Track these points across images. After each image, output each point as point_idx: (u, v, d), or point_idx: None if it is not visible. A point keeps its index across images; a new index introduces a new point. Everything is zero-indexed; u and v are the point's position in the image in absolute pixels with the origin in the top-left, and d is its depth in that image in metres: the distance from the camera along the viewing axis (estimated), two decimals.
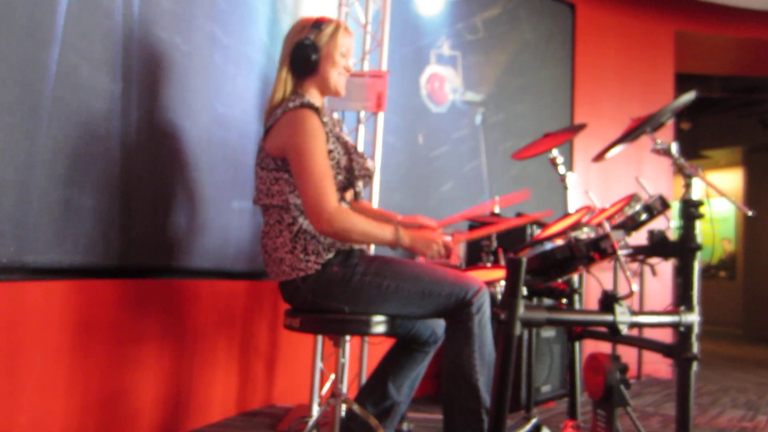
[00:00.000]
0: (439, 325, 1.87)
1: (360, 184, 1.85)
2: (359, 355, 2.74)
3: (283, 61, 1.81)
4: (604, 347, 3.64)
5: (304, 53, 1.75)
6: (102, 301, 1.99)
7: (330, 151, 1.71)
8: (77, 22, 1.89)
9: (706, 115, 8.32)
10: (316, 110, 1.71)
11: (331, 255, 1.70)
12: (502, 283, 1.86)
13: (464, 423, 1.65)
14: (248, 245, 2.57)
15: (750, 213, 1.74)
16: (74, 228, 1.89)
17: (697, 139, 8.70)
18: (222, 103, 2.46)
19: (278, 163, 1.72)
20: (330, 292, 1.69)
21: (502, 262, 2.35)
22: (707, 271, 9.37)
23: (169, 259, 2.24)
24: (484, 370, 1.66)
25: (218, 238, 2.43)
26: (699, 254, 1.71)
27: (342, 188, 1.79)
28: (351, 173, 1.77)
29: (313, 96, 1.83)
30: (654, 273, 1.87)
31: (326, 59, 1.79)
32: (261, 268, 2.58)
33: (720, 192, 1.71)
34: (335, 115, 2.04)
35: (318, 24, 1.79)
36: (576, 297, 2.15)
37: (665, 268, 4.43)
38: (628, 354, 4.12)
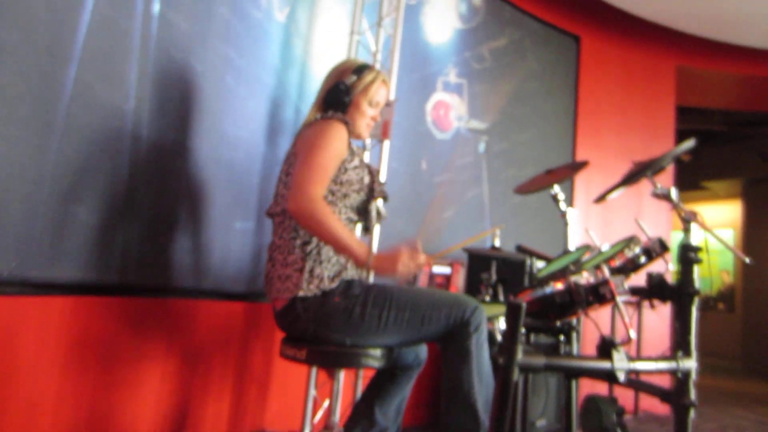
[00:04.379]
0: (422, 348, 1.92)
1: (375, 213, 1.89)
2: (353, 384, 2.74)
3: (320, 95, 1.93)
4: (601, 385, 3.64)
5: (338, 95, 1.86)
6: (98, 318, 2.00)
7: (355, 167, 1.80)
8: (96, 41, 1.94)
9: (707, 147, 8.38)
10: (347, 124, 1.80)
11: (334, 285, 1.71)
12: (499, 320, 1.87)
13: None
14: (248, 266, 2.58)
15: (748, 260, 1.76)
16: (77, 244, 1.91)
17: (698, 170, 8.75)
18: (231, 124, 2.50)
19: None
20: (331, 324, 1.70)
21: (501, 298, 2.37)
22: (706, 303, 9.37)
23: (169, 278, 2.26)
24: (482, 390, 1.67)
25: (218, 258, 2.45)
26: (697, 298, 1.73)
27: (360, 209, 1.84)
28: (371, 193, 1.85)
29: None
30: (652, 307, 1.90)
31: (356, 106, 1.90)
32: (260, 289, 2.60)
33: (718, 238, 1.73)
34: (366, 155, 2.09)
35: (359, 70, 1.91)
36: (574, 335, 2.17)
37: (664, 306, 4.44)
38: (625, 391, 4.11)
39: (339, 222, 1.66)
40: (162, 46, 2.18)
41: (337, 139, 1.75)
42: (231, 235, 2.50)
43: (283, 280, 1.74)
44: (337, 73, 1.93)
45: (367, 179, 1.84)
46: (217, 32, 2.41)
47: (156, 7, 2.15)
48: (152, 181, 2.16)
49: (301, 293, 1.69)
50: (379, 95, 1.93)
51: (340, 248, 1.69)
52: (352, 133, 1.89)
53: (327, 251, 1.74)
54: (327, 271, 1.72)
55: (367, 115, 1.92)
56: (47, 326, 1.85)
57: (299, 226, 1.75)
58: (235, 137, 2.52)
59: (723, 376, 7.34)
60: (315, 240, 1.74)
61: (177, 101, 2.25)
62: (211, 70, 2.39)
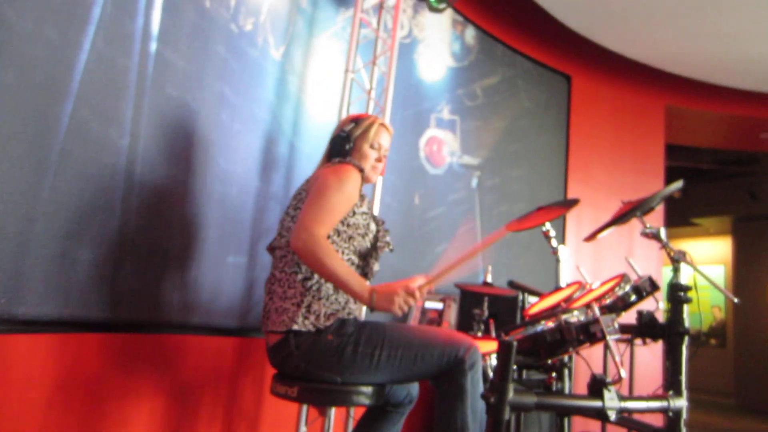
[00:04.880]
0: (414, 385, 1.93)
1: (376, 263, 1.92)
2: (344, 421, 2.71)
3: (326, 150, 2.02)
4: (594, 423, 3.61)
5: (339, 143, 1.94)
6: (87, 356, 1.98)
7: (363, 213, 1.84)
8: (93, 78, 1.97)
9: (696, 184, 8.49)
10: (361, 171, 1.84)
11: (329, 323, 1.71)
12: (493, 357, 1.87)
13: None
14: (239, 301, 2.57)
15: (736, 300, 1.78)
16: (67, 281, 1.90)
17: (688, 207, 8.84)
18: (225, 159, 2.52)
19: None
20: (324, 362, 1.70)
21: (493, 334, 2.37)
22: (697, 339, 9.36)
23: (159, 313, 2.24)
24: (476, 427, 1.66)
25: (210, 293, 2.44)
26: (687, 338, 1.74)
27: (364, 254, 1.86)
28: (376, 241, 1.88)
29: None
30: (644, 343, 1.90)
31: (357, 150, 1.96)
32: (251, 324, 2.59)
33: (707, 279, 1.75)
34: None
35: (356, 119, 2.00)
36: (565, 372, 2.16)
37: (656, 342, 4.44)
38: (617, 429, 4.07)
39: (340, 261, 1.66)
40: (158, 83, 2.21)
41: (350, 182, 1.77)
42: (223, 270, 2.50)
43: (280, 313, 1.74)
44: (339, 127, 2.03)
45: (373, 227, 1.88)
46: (213, 70, 2.45)
47: (153, 46, 2.19)
48: (145, 217, 2.17)
49: (295, 327, 1.69)
50: (380, 137, 1.98)
51: (340, 286, 1.69)
52: (364, 179, 1.94)
53: (327, 288, 1.75)
54: (324, 308, 1.73)
55: (370, 158, 1.97)
56: (34, 364, 1.83)
57: (301, 262, 1.76)
58: (228, 173, 2.53)
59: (716, 412, 7.29)
60: (316, 276, 1.75)
61: (171, 138, 2.27)
62: (207, 107, 2.42)
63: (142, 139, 2.16)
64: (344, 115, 2.89)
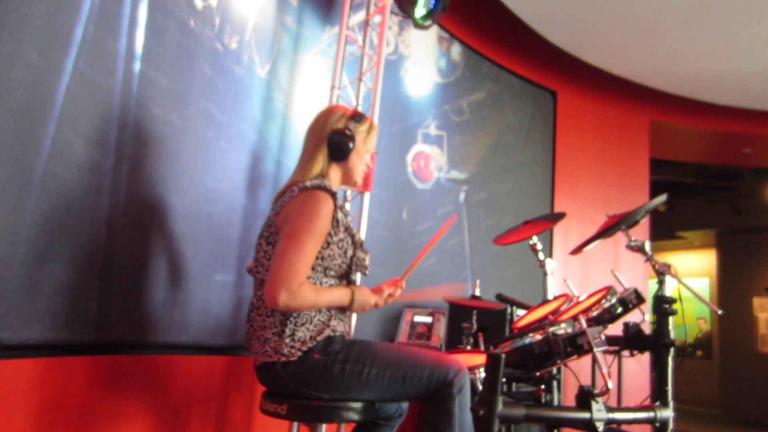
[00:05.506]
0: None
1: (355, 276, 1.90)
2: None
3: (318, 141, 1.86)
4: None
5: (344, 142, 1.84)
6: (74, 379, 1.94)
7: (340, 240, 1.76)
8: (76, 100, 1.94)
9: (681, 198, 8.59)
10: (333, 195, 1.75)
11: (314, 343, 1.69)
12: (481, 370, 1.87)
13: None
14: (228, 319, 2.55)
15: (720, 312, 1.79)
16: (53, 303, 1.87)
17: (673, 220, 8.93)
18: (211, 178, 2.51)
19: None
20: (311, 381, 1.68)
21: (482, 347, 2.37)
22: (684, 350, 9.41)
23: (147, 334, 2.21)
24: None
25: (198, 312, 2.42)
26: (673, 349, 1.75)
27: (340, 276, 1.83)
28: (351, 265, 1.81)
29: (333, 181, 1.89)
30: (632, 355, 1.91)
31: (357, 152, 1.89)
32: (240, 342, 2.57)
33: (692, 290, 1.77)
34: (347, 206, 2.10)
35: (357, 118, 1.89)
36: (554, 384, 2.17)
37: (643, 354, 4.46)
38: None
39: (317, 296, 1.68)
40: (142, 103, 2.19)
41: (323, 216, 1.69)
42: (211, 289, 2.49)
43: (262, 343, 1.72)
44: (335, 119, 1.88)
45: (350, 251, 1.80)
46: (198, 89, 2.45)
47: (137, 66, 2.18)
48: (131, 237, 2.14)
49: (282, 359, 1.67)
50: (374, 141, 1.96)
51: (328, 307, 1.74)
52: (346, 181, 1.92)
53: (309, 313, 1.72)
54: (309, 332, 1.70)
55: (364, 162, 1.93)
56: (20, 389, 1.79)
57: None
58: (215, 191, 2.53)
59: (703, 423, 7.32)
60: None
61: (157, 157, 2.26)
62: (192, 125, 2.41)
63: (127, 159, 2.14)
64: None
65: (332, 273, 1.78)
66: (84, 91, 1.98)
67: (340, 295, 1.73)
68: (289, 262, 1.63)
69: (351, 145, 1.85)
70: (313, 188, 1.73)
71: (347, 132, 1.84)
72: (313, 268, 1.73)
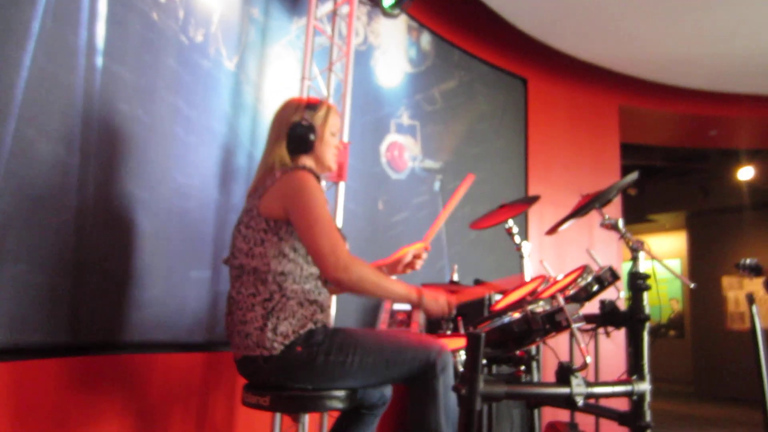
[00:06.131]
0: (387, 387, 1.91)
1: None
2: (319, 426, 2.68)
3: (278, 138, 1.86)
4: (563, 413, 3.66)
5: (303, 134, 1.83)
6: (48, 382, 1.90)
7: None
8: (36, 97, 1.89)
9: (651, 182, 8.73)
10: (317, 176, 1.78)
11: (296, 336, 1.67)
12: (462, 353, 1.88)
13: None
14: (206, 316, 2.52)
15: (692, 285, 1.83)
16: (21, 306, 1.82)
17: (644, 204, 9.09)
18: (182, 173, 2.47)
19: (270, 224, 1.72)
20: (293, 374, 1.67)
21: (462, 331, 2.38)
22: (657, 330, 9.61)
23: (122, 333, 2.18)
24: (449, 428, 1.66)
25: (174, 310, 2.38)
26: (648, 324, 1.78)
27: None
28: None
29: None
30: (608, 335, 1.94)
31: (320, 140, 1.88)
32: (219, 338, 2.54)
33: (664, 265, 1.79)
34: None
35: (311, 106, 1.88)
36: (534, 364, 2.18)
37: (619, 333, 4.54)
38: (586, 417, 4.14)
39: (375, 272, 1.68)
40: (107, 98, 2.14)
41: (321, 194, 1.72)
42: (187, 285, 2.45)
43: (243, 337, 1.69)
44: (290, 112, 1.88)
45: None
46: (164, 83, 2.40)
47: (99, 61, 2.12)
48: (102, 236, 2.10)
49: (265, 353, 1.65)
50: (337, 123, 1.95)
51: (389, 297, 1.73)
52: (321, 169, 1.91)
53: (291, 306, 1.68)
54: (291, 326, 1.67)
55: (332, 145, 1.92)
56: None
57: (259, 282, 1.69)
58: (186, 186, 2.49)
59: (676, 400, 7.51)
60: (277, 296, 1.68)
61: (125, 154, 2.21)
62: (160, 121, 2.36)
63: (94, 157, 2.09)
64: None
65: (311, 258, 1.74)
66: (44, 87, 1.92)
67: (402, 286, 1.74)
68: (325, 239, 1.64)
69: (312, 135, 1.84)
70: (295, 170, 1.75)
71: (304, 122, 1.84)
72: (295, 250, 1.73)
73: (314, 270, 1.77)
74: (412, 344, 1.71)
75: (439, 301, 1.76)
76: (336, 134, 1.94)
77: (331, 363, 1.66)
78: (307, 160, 1.88)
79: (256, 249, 1.72)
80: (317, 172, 1.91)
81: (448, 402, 1.68)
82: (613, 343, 4.49)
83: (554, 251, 4.64)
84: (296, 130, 1.83)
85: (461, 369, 1.84)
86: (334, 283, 1.66)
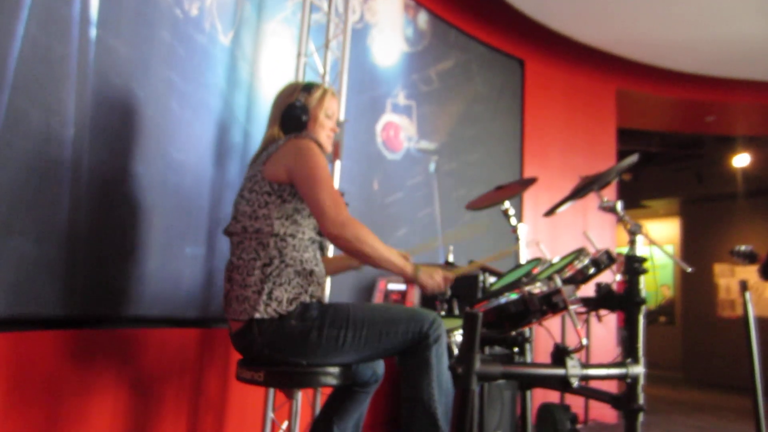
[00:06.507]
0: (380, 364, 1.93)
1: None
2: (311, 403, 2.69)
3: (274, 120, 1.92)
4: (553, 395, 3.69)
5: (295, 114, 1.87)
6: (43, 354, 1.90)
7: None
8: (30, 67, 1.86)
9: (646, 167, 8.75)
10: (319, 145, 1.80)
11: (291, 308, 1.68)
12: (456, 333, 1.88)
13: None
14: (200, 292, 2.51)
15: (689, 269, 1.82)
16: (16, 277, 1.81)
17: (638, 189, 9.11)
18: (177, 149, 2.44)
19: (274, 187, 1.75)
20: (287, 348, 1.68)
21: (456, 311, 2.38)
22: (649, 316, 9.69)
23: (117, 308, 2.17)
24: (442, 399, 1.67)
25: (169, 285, 2.37)
26: (644, 307, 1.78)
27: (319, 230, 1.82)
28: None
29: None
30: (599, 320, 1.94)
31: (314, 120, 1.91)
32: (213, 314, 2.53)
33: (662, 248, 1.79)
34: None
35: (307, 88, 1.93)
36: (527, 346, 2.19)
37: (610, 316, 4.57)
38: (575, 399, 4.19)
39: (374, 236, 1.68)
40: (101, 71, 2.11)
41: (324, 161, 1.75)
42: (182, 261, 2.44)
43: (241, 302, 1.71)
44: (287, 95, 1.94)
45: None
46: (159, 57, 2.36)
47: (93, 32, 2.09)
48: (96, 209, 2.08)
49: (257, 315, 1.66)
50: (333, 106, 1.96)
51: (382, 263, 1.70)
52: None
53: (288, 273, 1.70)
54: (287, 293, 1.69)
55: (326, 127, 1.94)
56: None
57: (260, 247, 1.72)
58: (181, 162, 2.46)
59: (666, 385, 7.61)
60: (276, 261, 1.70)
61: (119, 128, 2.18)
62: (154, 95, 2.34)
63: (88, 130, 2.07)
64: None
65: (314, 222, 1.79)
66: (38, 58, 1.89)
67: (400, 257, 1.75)
68: (325, 198, 1.66)
69: (304, 116, 1.88)
70: (299, 137, 1.79)
71: (297, 104, 1.87)
72: (298, 212, 1.76)
73: (314, 236, 1.80)
74: (404, 316, 1.73)
75: (435, 277, 1.77)
76: (332, 117, 1.96)
77: (324, 338, 1.67)
78: None
79: (260, 211, 1.75)
80: None
81: (442, 373, 1.69)
82: (605, 328, 4.53)
83: (549, 235, 4.65)
84: (289, 111, 1.87)
85: (456, 350, 1.85)
86: (331, 238, 1.67)
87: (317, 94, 1.92)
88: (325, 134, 1.94)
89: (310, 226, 1.79)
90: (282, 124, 1.88)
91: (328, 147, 1.96)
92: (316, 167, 1.70)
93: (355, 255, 1.71)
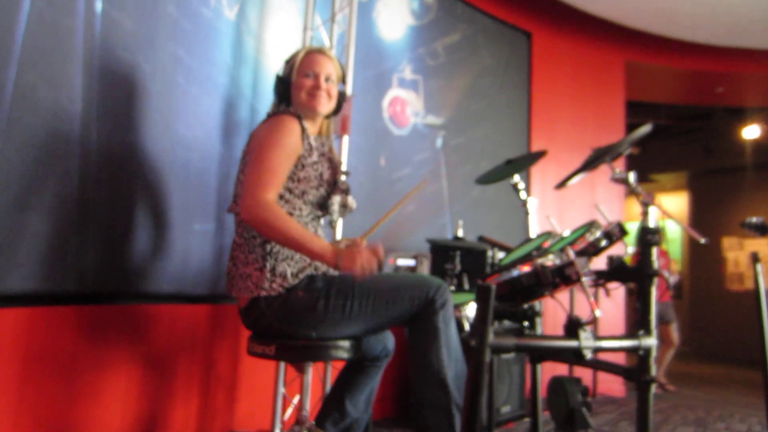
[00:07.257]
0: (390, 338, 1.93)
1: (341, 199, 1.86)
2: (322, 378, 2.71)
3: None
4: (562, 368, 3.71)
5: (280, 88, 1.88)
6: (56, 329, 1.92)
7: (314, 163, 1.77)
8: (36, 42, 1.86)
9: (654, 141, 8.66)
10: (298, 117, 1.77)
11: (297, 281, 1.69)
12: (466, 308, 1.88)
13: (435, 418, 1.66)
14: (209, 268, 2.52)
15: (703, 240, 1.81)
16: (29, 253, 1.83)
17: (646, 163, 9.04)
18: (184, 125, 2.43)
19: None
20: (295, 319, 1.68)
21: (465, 287, 2.38)
22: (674, 289, 9.71)
23: (128, 284, 2.19)
24: (452, 365, 1.67)
25: (179, 261, 2.38)
26: (656, 279, 1.77)
27: (321, 205, 1.82)
28: (331, 188, 1.83)
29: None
30: (608, 294, 1.93)
31: (294, 85, 1.87)
32: (223, 291, 2.54)
33: (675, 219, 1.78)
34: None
35: (289, 58, 1.92)
36: (537, 320, 2.19)
37: (618, 290, 4.56)
38: (583, 373, 4.21)
39: (296, 225, 1.62)
40: (107, 45, 2.10)
41: (287, 135, 1.70)
42: (191, 238, 2.44)
43: (244, 279, 1.71)
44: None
45: (326, 174, 1.81)
46: (164, 31, 2.34)
47: (99, 6, 2.07)
48: (105, 185, 2.09)
49: (263, 293, 1.67)
50: (312, 64, 1.85)
51: (299, 250, 1.64)
52: (307, 115, 1.85)
53: (289, 248, 1.71)
54: (290, 268, 1.70)
55: (304, 86, 1.84)
56: (3, 340, 1.77)
57: (256, 231, 1.71)
58: (189, 138, 2.45)
59: (673, 359, 7.64)
60: None
61: (127, 102, 2.18)
62: (161, 69, 2.32)
63: (96, 104, 2.06)
64: None
65: (310, 198, 1.78)
66: (44, 32, 1.88)
67: (321, 244, 1.63)
68: (256, 177, 1.64)
69: (280, 87, 1.88)
70: (276, 114, 1.79)
71: (278, 77, 1.89)
72: (290, 191, 1.74)
73: (316, 212, 1.81)
74: (409, 283, 1.73)
75: (357, 258, 1.60)
76: (311, 73, 1.85)
77: (331, 308, 1.67)
78: (296, 109, 1.87)
79: None
80: (307, 118, 1.86)
81: (450, 338, 1.69)
82: (613, 303, 4.53)
83: (557, 209, 4.62)
84: (275, 84, 1.90)
85: (466, 326, 1.85)
86: (245, 215, 1.62)
87: (296, 58, 1.88)
88: (305, 92, 1.84)
89: (307, 202, 1.78)
90: (275, 95, 1.91)
91: (317, 104, 1.84)
92: (267, 146, 1.69)
93: (266, 236, 1.67)
